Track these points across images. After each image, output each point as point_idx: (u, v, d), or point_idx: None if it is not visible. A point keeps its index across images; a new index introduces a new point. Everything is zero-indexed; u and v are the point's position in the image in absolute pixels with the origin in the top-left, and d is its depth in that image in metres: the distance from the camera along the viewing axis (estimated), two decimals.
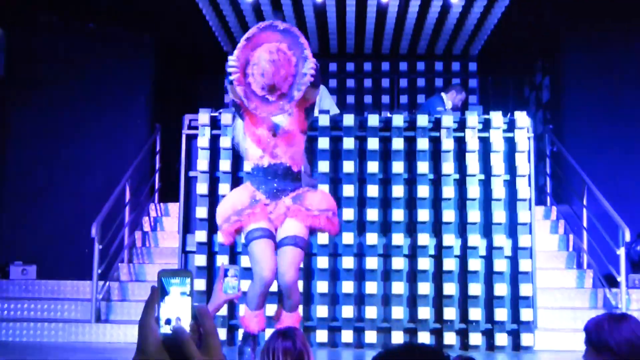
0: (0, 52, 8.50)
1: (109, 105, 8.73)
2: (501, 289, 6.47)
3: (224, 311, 6.25)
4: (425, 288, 6.46)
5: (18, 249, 8.00)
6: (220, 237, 4.36)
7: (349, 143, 6.72)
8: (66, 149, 8.54)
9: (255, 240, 4.15)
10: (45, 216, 8.31)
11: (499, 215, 6.58)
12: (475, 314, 6.43)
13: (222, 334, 6.31)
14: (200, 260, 6.56)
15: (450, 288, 6.46)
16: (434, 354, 1.51)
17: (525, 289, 6.48)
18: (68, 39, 8.83)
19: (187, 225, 6.86)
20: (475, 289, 6.47)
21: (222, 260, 6.48)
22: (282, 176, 4.21)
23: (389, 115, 6.99)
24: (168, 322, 1.31)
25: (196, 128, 6.87)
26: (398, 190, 6.62)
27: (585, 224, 7.29)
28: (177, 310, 1.32)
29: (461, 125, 6.77)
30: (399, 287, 6.47)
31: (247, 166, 4.65)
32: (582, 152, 7.97)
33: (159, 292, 1.33)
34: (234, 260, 6.54)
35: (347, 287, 6.47)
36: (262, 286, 4.14)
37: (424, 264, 6.50)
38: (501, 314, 6.41)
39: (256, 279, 4.14)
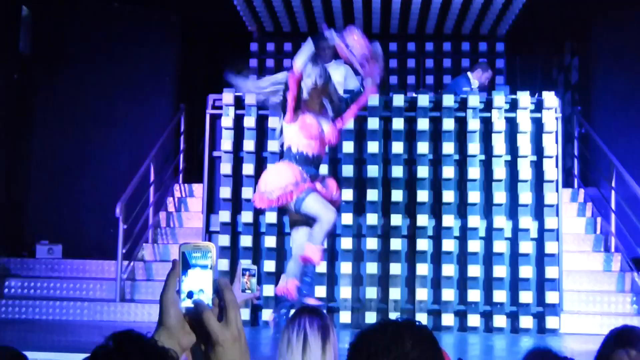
0: (27, 31, 8.53)
1: (134, 85, 8.73)
2: (526, 271, 6.40)
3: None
4: (449, 270, 6.41)
5: (44, 228, 8.06)
6: (259, 202, 4.94)
7: (373, 123, 6.66)
8: (91, 128, 8.56)
9: (313, 193, 4.90)
10: (71, 196, 8.36)
11: (525, 196, 6.50)
12: (500, 296, 6.37)
13: (246, 314, 6.33)
14: (224, 240, 6.57)
15: (474, 270, 6.41)
16: (414, 328, 1.46)
17: (551, 272, 6.40)
18: (93, 19, 8.82)
19: (211, 205, 6.89)
20: (500, 271, 6.41)
21: (245, 240, 6.49)
22: (318, 164, 5.11)
23: (414, 95, 6.91)
24: (190, 295, 1.29)
25: (220, 108, 6.86)
26: (423, 171, 6.57)
27: (613, 207, 7.17)
28: (199, 284, 1.30)
29: (487, 105, 6.69)
30: (423, 269, 6.43)
31: (292, 148, 5.04)
32: (611, 134, 7.82)
33: (181, 266, 1.31)
34: (257, 239, 6.54)
35: (371, 268, 6.44)
36: (331, 224, 4.90)
37: (448, 245, 6.44)
38: (526, 296, 6.35)
39: (326, 219, 4.85)
